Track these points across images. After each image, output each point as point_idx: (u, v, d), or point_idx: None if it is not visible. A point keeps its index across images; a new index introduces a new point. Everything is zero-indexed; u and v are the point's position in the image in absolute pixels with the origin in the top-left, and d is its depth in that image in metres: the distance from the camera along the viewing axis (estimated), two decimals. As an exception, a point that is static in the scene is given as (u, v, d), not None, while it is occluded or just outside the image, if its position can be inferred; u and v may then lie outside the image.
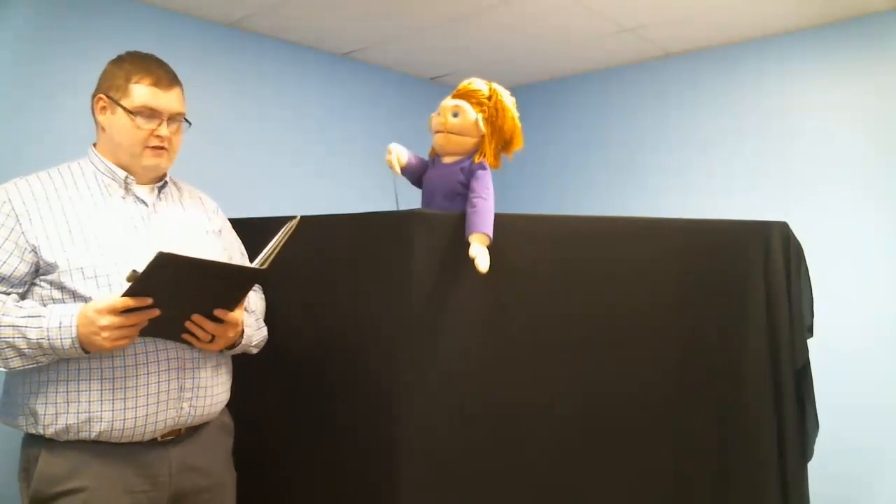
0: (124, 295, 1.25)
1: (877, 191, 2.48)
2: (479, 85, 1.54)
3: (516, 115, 1.54)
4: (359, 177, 3.08)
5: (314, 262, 1.64)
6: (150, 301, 1.26)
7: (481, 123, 1.50)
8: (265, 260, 1.37)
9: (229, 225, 1.70)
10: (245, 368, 1.64)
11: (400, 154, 1.56)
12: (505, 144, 1.54)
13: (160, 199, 1.52)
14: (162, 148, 1.46)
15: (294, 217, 1.41)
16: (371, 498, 1.47)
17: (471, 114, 1.50)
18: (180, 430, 1.43)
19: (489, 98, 1.51)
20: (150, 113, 1.43)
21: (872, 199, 2.48)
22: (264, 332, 1.61)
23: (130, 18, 2.41)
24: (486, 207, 1.42)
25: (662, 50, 2.99)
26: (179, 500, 1.43)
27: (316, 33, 2.82)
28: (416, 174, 1.60)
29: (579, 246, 1.59)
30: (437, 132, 1.54)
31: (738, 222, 1.82)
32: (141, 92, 1.42)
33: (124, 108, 1.42)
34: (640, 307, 1.63)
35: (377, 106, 3.26)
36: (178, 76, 1.51)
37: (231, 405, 1.60)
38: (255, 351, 1.59)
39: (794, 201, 2.65)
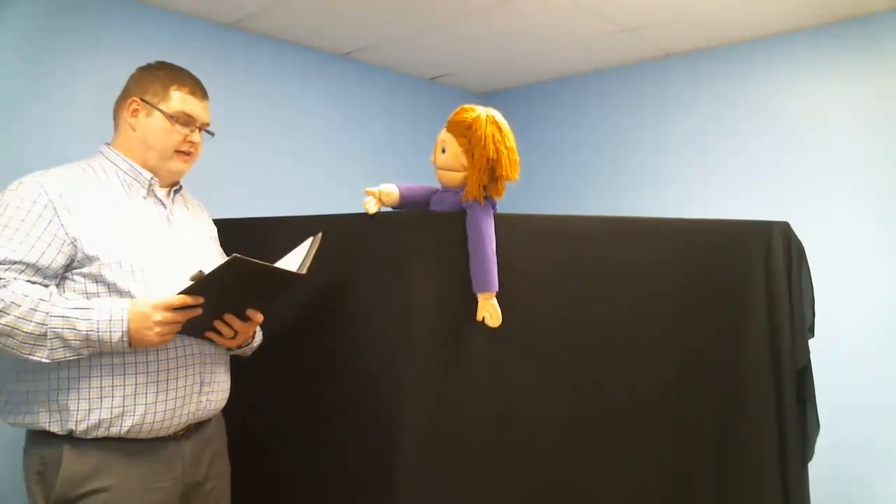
0: (183, 292, 1.28)
1: (877, 191, 2.48)
2: (463, 113, 1.43)
3: (505, 141, 1.41)
4: (359, 177, 3.08)
5: (313, 262, 1.64)
6: (202, 300, 1.30)
7: (462, 157, 1.41)
8: (304, 265, 1.40)
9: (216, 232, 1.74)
10: (246, 367, 1.65)
11: (386, 193, 1.49)
12: (490, 175, 1.40)
13: (174, 202, 1.57)
14: (189, 153, 1.53)
15: (318, 234, 1.48)
16: (370, 498, 1.47)
17: (454, 148, 1.42)
18: (190, 425, 1.47)
19: (469, 128, 1.40)
20: (187, 119, 1.50)
21: (872, 198, 2.48)
22: (260, 335, 1.64)
23: (130, 18, 2.41)
24: (480, 258, 1.38)
25: (662, 50, 2.99)
26: (189, 492, 1.47)
27: (316, 33, 2.82)
28: (418, 203, 1.54)
29: (580, 246, 1.59)
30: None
31: (738, 222, 1.82)
32: (180, 98, 1.49)
33: (163, 112, 1.47)
34: (641, 307, 1.63)
35: (377, 106, 3.25)
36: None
37: (231, 403, 1.61)
38: (249, 353, 1.62)
39: (794, 201, 2.65)
